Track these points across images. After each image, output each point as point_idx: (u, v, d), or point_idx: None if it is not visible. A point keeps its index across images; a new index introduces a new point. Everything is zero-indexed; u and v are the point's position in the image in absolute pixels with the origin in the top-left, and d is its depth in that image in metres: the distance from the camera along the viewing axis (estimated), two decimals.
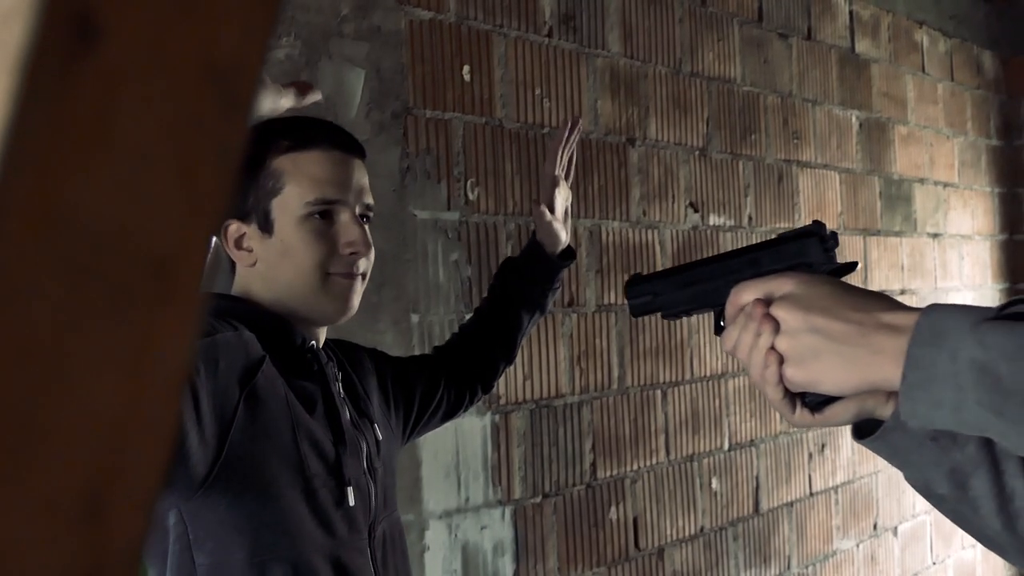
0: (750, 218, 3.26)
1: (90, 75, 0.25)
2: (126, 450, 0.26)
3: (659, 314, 1.09)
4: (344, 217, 1.38)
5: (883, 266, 3.91)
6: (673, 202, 2.96)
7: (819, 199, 3.59)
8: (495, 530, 2.36)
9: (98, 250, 0.26)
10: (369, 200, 1.43)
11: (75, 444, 0.25)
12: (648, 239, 2.86)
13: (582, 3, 2.69)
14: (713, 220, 3.11)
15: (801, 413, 0.92)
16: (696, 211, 3.05)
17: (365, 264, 1.41)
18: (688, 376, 2.97)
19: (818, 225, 1.01)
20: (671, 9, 2.99)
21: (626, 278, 1.15)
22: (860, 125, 3.84)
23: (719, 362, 3.09)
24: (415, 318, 2.20)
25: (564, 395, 2.54)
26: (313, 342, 1.39)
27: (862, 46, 3.87)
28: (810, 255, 0.98)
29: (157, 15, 0.27)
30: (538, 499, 2.46)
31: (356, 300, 1.40)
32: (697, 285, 1.03)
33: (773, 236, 1.08)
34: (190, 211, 0.27)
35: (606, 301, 2.69)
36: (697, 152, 3.06)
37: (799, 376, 0.87)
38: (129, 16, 0.26)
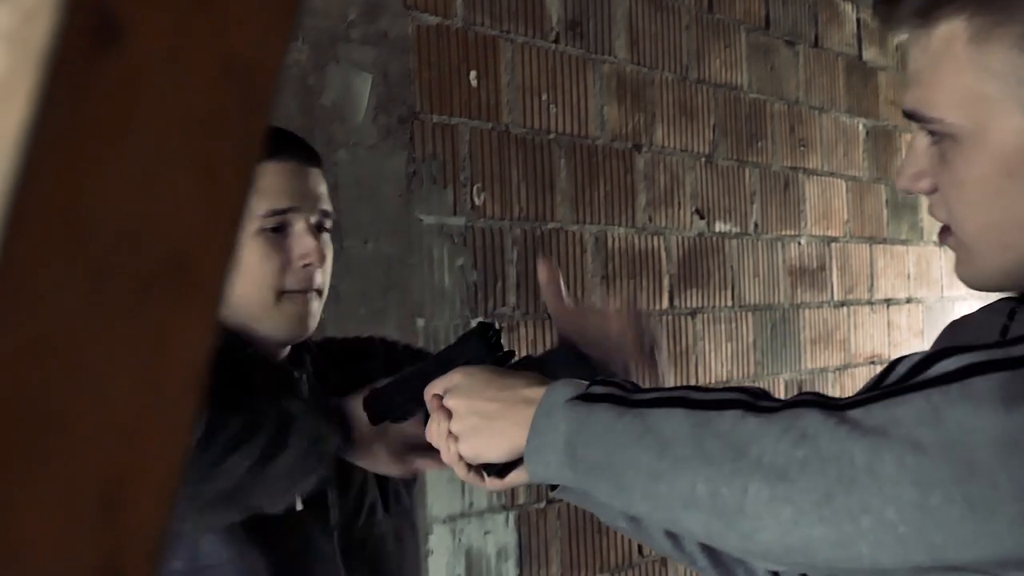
0: (756, 225, 3.26)
1: (111, 73, 0.26)
2: (144, 445, 0.26)
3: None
4: (298, 228, 1.32)
5: (889, 275, 3.90)
6: (679, 209, 2.96)
7: (825, 207, 3.59)
8: (499, 535, 2.35)
9: (118, 247, 0.26)
10: (326, 207, 1.36)
11: (94, 439, 0.25)
12: (654, 245, 2.87)
13: (589, 9, 2.69)
14: (719, 227, 3.11)
15: (490, 481, 1.09)
16: (702, 218, 3.05)
17: (321, 277, 1.36)
18: (693, 382, 2.97)
19: (483, 327, 1.21)
20: (678, 16, 3.00)
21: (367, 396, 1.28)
22: (867, 133, 3.84)
23: (724, 368, 3.09)
24: (420, 322, 2.20)
25: None
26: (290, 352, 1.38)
27: (869, 54, 3.87)
28: (475, 351, 1.18)
29: (178, 14, 0.27)
30: (542, 504, 2.46)
31: (312, 320, 1.36)
32: (413, 390, 1.19)
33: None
34: (209, 209, 0.28)
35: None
36: (703, 159, 3.07)
37: (468, 451, 1.04)
38: (150, 14, 0.26)
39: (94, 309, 0.26)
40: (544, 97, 2.55)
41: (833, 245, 3.60)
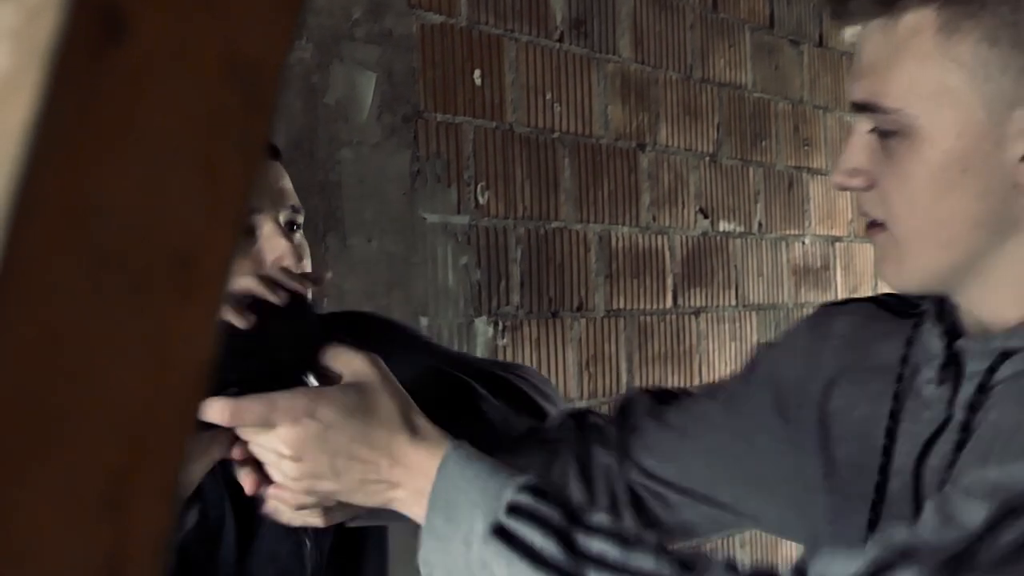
0: (760, 224, 3.26)
1: (116, 70, 0.26)
2: (148, 441, 0.26)
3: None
4: (267, 229, 1.21)
5: None
6: (683, 208, 2.96)
7: (829, 206, 3.59)
8: None
9: (121, 243, 0.26)
10: (294, 202, 1.25)
11: (97, 436, 0.25)
12: (658, 245, 2.87)
13: (593, 8, 2.69)
14: (723, 226, 3.11)
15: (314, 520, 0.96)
16: (706, 217, 3.05)
17: None
18: (697, 381, 2.96)
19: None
20: (682, 15, 3.00)
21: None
22: None
23: (727, 368, 3.09)
24: (424, 321, 2.20)
25: (572, 400, 2.54)
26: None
27: None
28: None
29: (181, 11, 0.27)
30: None
31: None
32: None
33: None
34: (213, 206, 0.28)
35: (615, 306, 2.69)
36: (707, 158, 3.06)
37: (318, 488, 0.92)
38: (154, 12, 0.27)
39: (97, 306, 0.26)
40: (548, 96, 2.55)
41: (837, 245, 3.60)
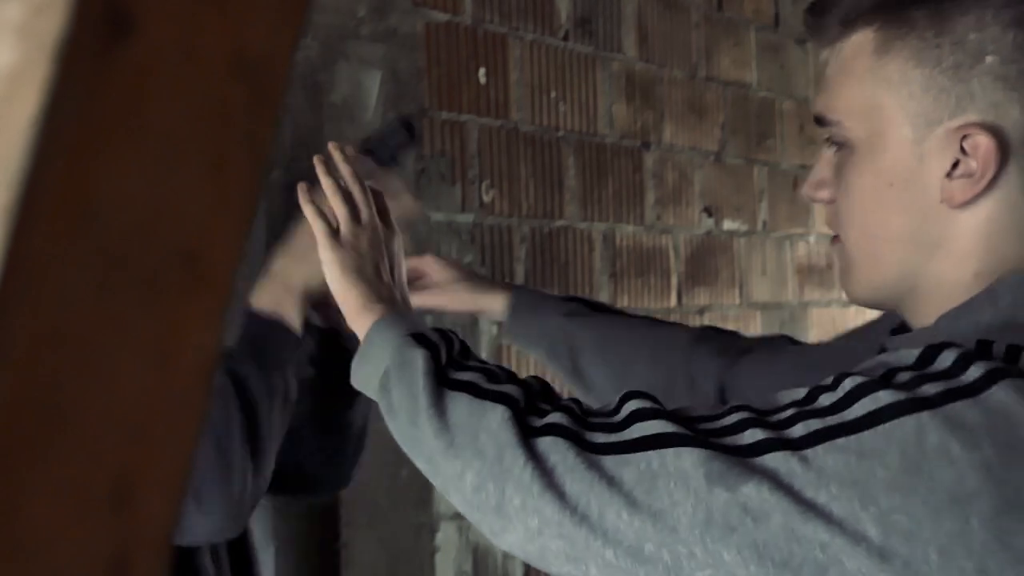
0: (764, 223, 3.26)
1: (122, 67, 0.26)
2: (154, 439, 0.26)
3: None
4: None
5: None
6: (688, 206, 2.96)
7: None
8: None
9: (128, 240, 0.26)
10: None
11: (104, 433, 0.25)
12: (662, 243, 2.86)
13: (598, 7, 2.69)
14: (728, 225, 3.11)
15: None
16: (711, 216, 3.04)
17: None
18: None
19: (408, 120, 1.55)
20: (687, 14, 2.99)
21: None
22: None
23: None
24: (429, 319, 2.20)
25: (572, 395, 2.54)
26: None
27: None
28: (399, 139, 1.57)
29: (188, 8, 0.27)
30: None
31: None
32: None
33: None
34: (219, 203, 0.28)
35: (619, 304, 2.69)
36: (712, 157, 3.06)
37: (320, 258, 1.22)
38: (161, 8, 0.26)
39: (104, 303, 0.26)
40: (553, 95, 2.54)
41: None
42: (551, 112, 2.53)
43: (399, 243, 1.25)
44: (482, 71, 2.36)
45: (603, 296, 2.64)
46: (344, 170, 1.24)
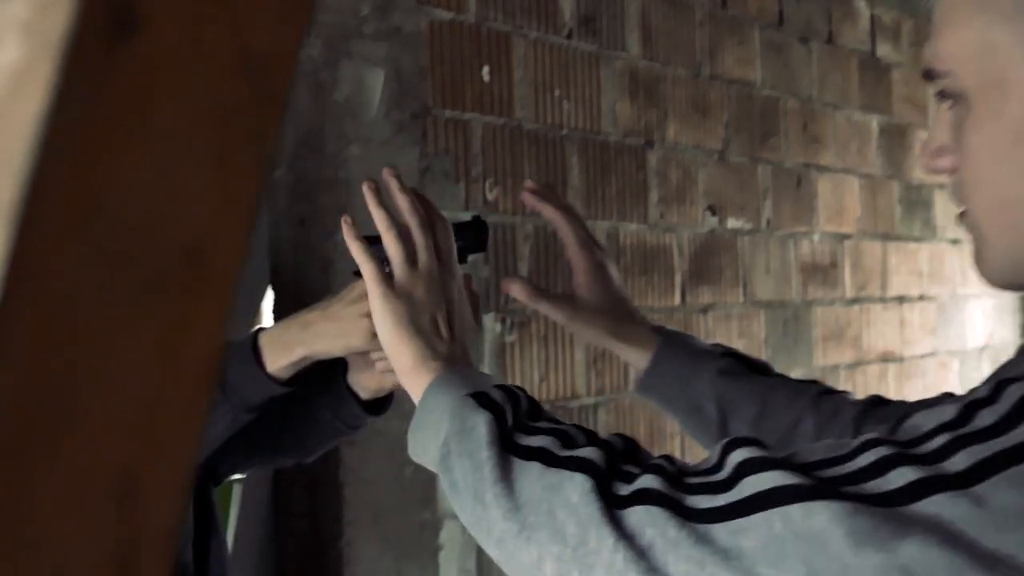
0: (768, 222, 3.25)
1: (127, 64, 0.26)
2: (158, 436, 0.26)
3: None
4: None
5: (902, 272, 3.89)
6: (691, 205, 2.96)
7: (838, 204, 3.58)
8: None
9: (132, 238, 0.26)
10: None
11: (108, 429, 0.25)
12: (666, 242, 2.86)
13: (602, 5, 2.69)
14: (731, 223, 3.11)
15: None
16: (714, 214, 3.04)
17: None
18: None
19: (480, 221, 1.31)
20: (691, 12, 2.99)
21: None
22: (880, 130, 3.83)
23: None
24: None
25: (580, 396, 2.54)
26: None
27: (883, 51, 3.86)
28: (473, 239, 1.31)
29: (193, 6, 0.27)
30: None
31: None
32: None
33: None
34: (223, 201, 0.28)
35: None
36: (716, 155, 3.06)
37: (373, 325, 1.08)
38: (166, 7, 0.27)
39: (109, 300, 0.26)
40: (557, 93, 2.54)
41: (846, 242, 3.59)
42: (555, 110, 2.53)
43: (459, 287, 1.08)
44: (486, 69, 2.36)
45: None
46: (402, 202, 1.09)
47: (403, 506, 2.14)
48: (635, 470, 0.79)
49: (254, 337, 1.28)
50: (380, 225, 1.07)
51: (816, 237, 3.44)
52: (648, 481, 0.76)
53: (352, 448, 2.03)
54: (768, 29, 3.31)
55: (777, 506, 0.69)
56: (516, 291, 1.27)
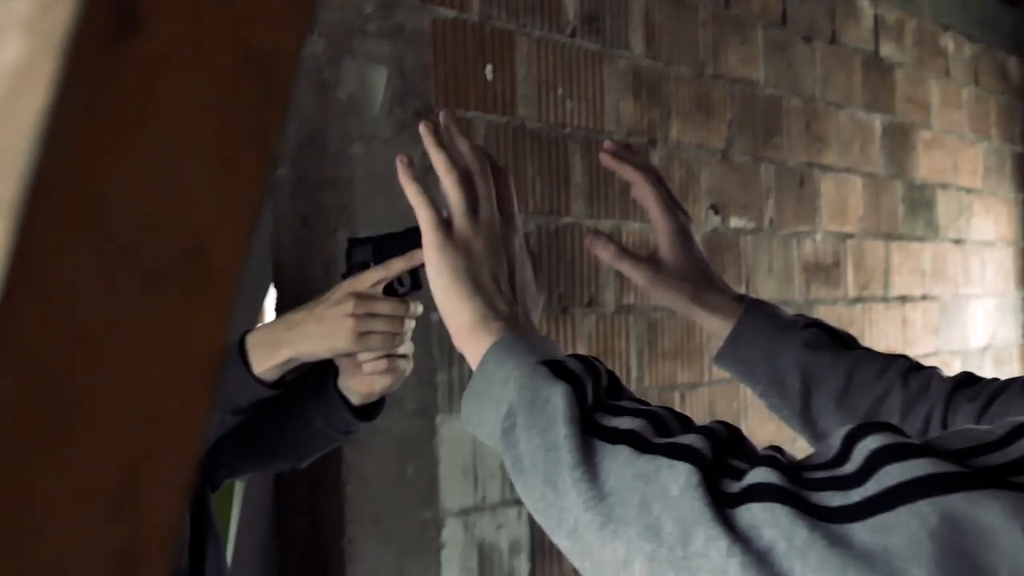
0: (771, 221, 3.25)
1: (130, 62, 0.26)
2: (161, 434, 0.26)
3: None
4: None
5: (904, 271, 3.89)
6: (694, 204, 2.96)
7: (841, 203, 3.58)
8: (511, 529, 2.36)
9: (135, 235, 0.26)
10: None
11: (111, 427, 0.25)
12: None
13: (605, 4, 2.69)
14: (734, 222, 3.11)
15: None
16: (717, 213, 3.04)
17: None
18: (706, 378, 2.96)
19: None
20: (695, 11, 2.99)
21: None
22: (883, 129, 3.82)
23: None
24: (435, 316, 2.20)
25: None
26: None
27: (886, 50, 3.86)
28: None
29: (196, 4, 0.27)
30: None
31: None
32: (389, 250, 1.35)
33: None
34: (226, 199, 0.28)
35: (625, 302, 2.69)
36: (719, 154, 3.06)
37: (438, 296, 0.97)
38: (169, 4, 0.26)
39: (112, 297, 0.26)
40: (560, 92, 2.54)
41: (848, 241, 3.59)
42: (558, 109, 2.53)
43: (521, 242, 0.97)
44: (489, 68, 2.36)
45: (609, 294, 2.64)
46: (463, 145, 0.96)
47: (405, 505, 2.14)
48: (742, 464, 0.69)
49: (241, 339, 1.28)
50: (440, 167, 0.94)
51: (819, 236, 3.44)
52: (762, 475, 0.66)
53: (353, 447, 2.03)
54: (771, 28, 3.30)
55: (929, 496, 0.60)
56: (600, 249, 1.20)
